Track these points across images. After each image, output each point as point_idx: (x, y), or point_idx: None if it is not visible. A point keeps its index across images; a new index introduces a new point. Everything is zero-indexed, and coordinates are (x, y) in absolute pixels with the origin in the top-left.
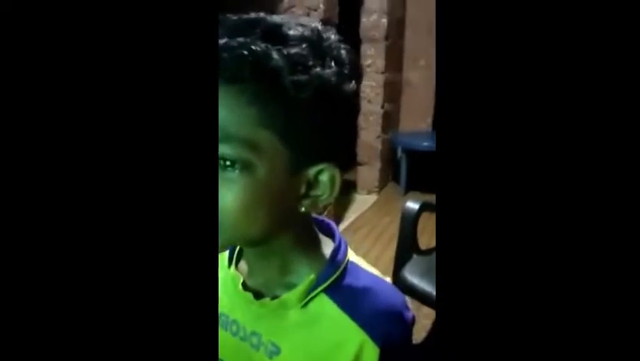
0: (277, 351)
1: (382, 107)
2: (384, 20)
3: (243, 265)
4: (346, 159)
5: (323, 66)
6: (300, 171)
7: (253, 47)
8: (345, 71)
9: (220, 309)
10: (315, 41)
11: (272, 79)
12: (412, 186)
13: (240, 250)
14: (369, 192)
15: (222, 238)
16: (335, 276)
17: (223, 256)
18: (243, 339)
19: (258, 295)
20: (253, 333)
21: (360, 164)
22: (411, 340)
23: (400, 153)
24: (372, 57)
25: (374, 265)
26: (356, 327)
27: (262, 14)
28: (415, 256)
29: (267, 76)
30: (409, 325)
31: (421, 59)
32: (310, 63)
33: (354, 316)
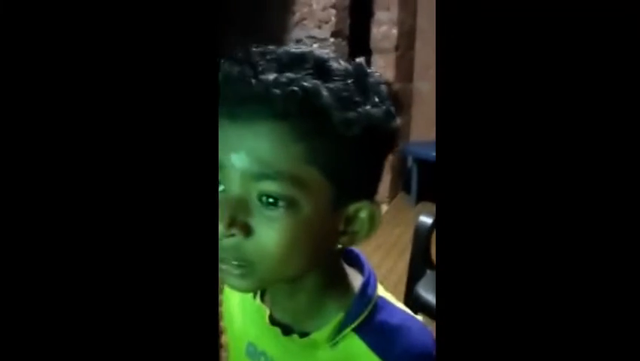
0: None
1: None
2: (395, 31)
3: (267, 298)
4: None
5: (369, 103)
6: (341, 208)
7: (304, 84)
8: (390, 108)
9: (249, 338)
10: (359, 77)
11: (321, 116)
12: (423, 197)
13: None
14: (380, 203)
15: (257, 280)
16: (365, 314)
17: None
18: None
19: (285, 329)
20: None
21: None
22: None
23: (410, 162)
24: (383, 68)
25: (386, 277)
26: None
27: (308, 48)
28: (428, 271)
29: (316, 113)
30: None
31: (432, 69)
32: (357, 100)
33: (384, 357)
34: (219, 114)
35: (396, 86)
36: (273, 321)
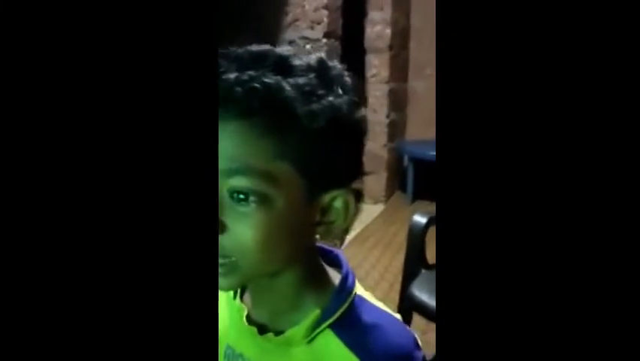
0: None
1: (388, 116)
2: (388, 31)
3: (247, 296)
4: (354, 183)
5: (332, 95)
6: (314, 199)
7: (265, 80)
8: (353, 98)
9: (227, 341)
10: (321, 71)
11: (285, 110)
12: (419, 195)
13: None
14: (375, 202)
15: (238, 276)
16: (342, 310)
17: None
18: None
19: (262, 328)
20: None
21: (366, 174)
22: None
23: (406, 161)
24: (377, 67)
25: (382, 276)
26: None
27: (268, 47)
28: (423, 271)
29: (280, 107)
30: None
31: (427, 68)
32: (320, 92)
33: (361, 355)
34: None
35: (391, 86)
36: (250, 321)
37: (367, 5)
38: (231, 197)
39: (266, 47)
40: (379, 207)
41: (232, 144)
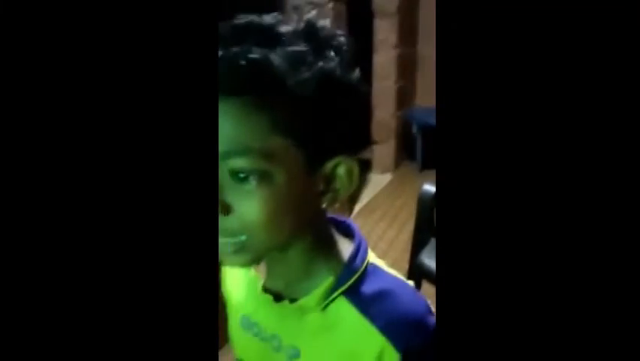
0: (297, 354)
1: (396, 82)
2: None
3: (262, 266)
4: (361, 147)
5: (324, 59)
6: (317, 169)
7: (251, 56)
8: (347, 60)
9: (243, 311)
10: (311, 35)
11: (274, 84)
12: (428, 164)
13: None
14: (384, 172)
15: (251, 253)
16: (354, 278)
17: None
18: (264, 340)
19: (277, 297)
20: (273, 336)
21: (375, 142)
22: (432, 346)
23: (415, 129)
24: (385, 32)
25: (390, 246)
26: (376, 332)
27: (251, 17)
28: (432, 239)
29: (269, 82)
30: (431, 331)
31: None
32: (310, 59)
33: (374, 320)
34: None
35: (400, 51)
36: (266, 290)
37: None
38: (232, 177)
39: (249, 17)
40: (388, 177)
41: (226, 125)
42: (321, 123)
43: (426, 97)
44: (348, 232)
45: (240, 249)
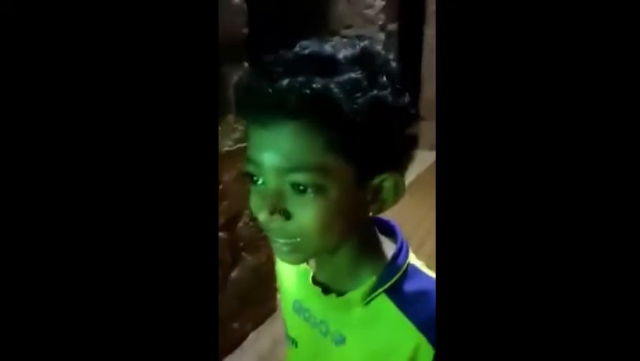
0: (343, 341)
1: None
2: None
3: (312, 261)
4: (407, 162)
5: (377, 85)
6: (366, 182)
7: (314, 86)
8: (398, 85)
9: (294, 297)
10: (366, 61)
11: (332, 110)
12: None
13: None
14: (431, 148)
15: (304, 253)
16: (395, 278)
17: None
18: (313, 326)
19: (325, 288)
20: (322, 322)
21: (422, 119)
22: None
23: None
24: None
25: (431, 232)
26: (413, 329)
27: (314, 47)
28: None
29: (328, 108)
30: None
31: None
32: (365, 85)
33: (412, 317)
34: (248, 120)
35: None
36: (316, 282)
37: None
38: (293, 189)
39: (312, 46)
40: (434, 154)
41: (287, 144)
42: (371, 144)
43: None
44: (390, 232)
45: (295, 249)
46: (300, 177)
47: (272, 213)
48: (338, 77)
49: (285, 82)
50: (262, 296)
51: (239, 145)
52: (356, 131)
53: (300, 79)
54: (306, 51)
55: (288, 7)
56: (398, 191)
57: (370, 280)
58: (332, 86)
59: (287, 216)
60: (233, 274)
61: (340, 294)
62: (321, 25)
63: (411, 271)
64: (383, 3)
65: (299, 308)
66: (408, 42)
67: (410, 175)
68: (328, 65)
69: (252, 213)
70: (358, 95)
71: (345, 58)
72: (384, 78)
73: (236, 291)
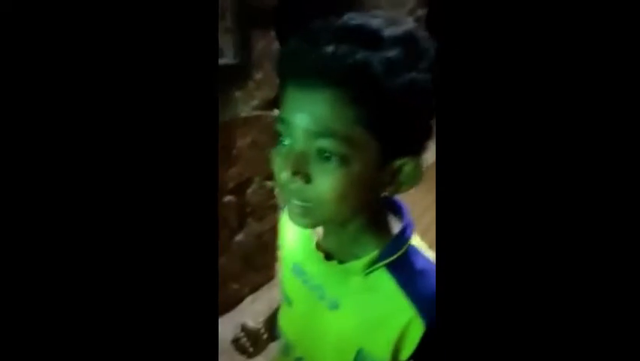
0: (336, 306)
1: None
2: None
3: (319, 228)
4: (424, 150)
5: (417, 69)
6: (387, 162)
7: (357, 56)
8: (432, 70)
9: (295, 259)
10: (409, 44)
11: (371, 84)
12: None
13: None
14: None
15: (315, 218)
16: (397, 255)
17: None
18: (310, 288)
19: (327, 255)
20: (319, 286)
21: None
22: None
23: None
24: None
25: (433, 222)
26: (408, 304)
27: (361, 20)
28: None
29: (367, 81)
30: None
31: None
32: (405, 66)
33: (408, 293)
34: (287, 82)
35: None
36: (319, 248)
37: None
38: (318, 154)
39: (359, 18)
40: None
41: (321, 109)
42: (401, 125)
43: None
44: (398, 211)
45: (307, 213)
46: (327, 144)
47: (294, 173)
48: (381, 53)
49: (330, 48)
50: (263, 263)
51: (255, 113)
52: (389, 110)
53: (345, 48)
54: (353, 22)
55: None
56: (416, 176)
57: (374, 253)
58: (374, 60)
59: (307, 179)
60: (238, 237)
61: (341, 263)
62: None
63: (412, 251)
64: None
65: (298, 271)
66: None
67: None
68: (373, 40)
69: (273, 173)
70: (398, 74)
71: (391, 36)
72: (424, 63)
73: (239, 254)
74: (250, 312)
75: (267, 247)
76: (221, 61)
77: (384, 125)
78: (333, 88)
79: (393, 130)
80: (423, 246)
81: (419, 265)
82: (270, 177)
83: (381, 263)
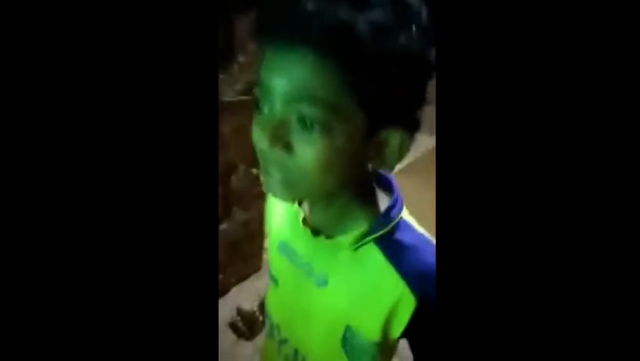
0: (324, 283)
1: None
2: None
3: (305, 204)
4: (415, 123)
5: (406, 33)
6: (373, 134)
7: (339, 16)
8: (426, 38)
9: (282, 238)
10: (399, 7)
11: (356, 48)
12: None
13: None
14: (432, 134)
15: (296, 191)
16: (386, 229)
17: None
18: (297, 266)
19: (315, 232)
20: (307, 263)
21: (426, 104)
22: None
23: None
24: None
25: (429, 213)
26: (398, 278)
27: None
28: None
29: (352, 45)
30: None
31: None
32: (393, 30)
33: (398, 268)
34: (265, 44)
35: None
36: (305, 224)
37: None
38: (299, 122)
39: None
40: (434, 140)
41: (301, 73)
42: (388, 92)
43: None
44: (387, 187)
45: (288, 186)
46: (308, 110)
47: (273, 142)
48: (366, 13)
49: (311, 7)
50: (249, 253)
51: (240, 98)
52: (375, 75)
53: (327, 7)
54: None
55: None
56: (402, 150)
57: (362, 228)
58: (359, 21)
59: (288, 149)
60: (222, 226)
61: (329, 238)
62: None
63: (402, 225)
64: None
65: (284, 249)
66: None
67: (409, 157)
68: (358, 0)
69: (253, 144)
70: (384, 38)
71: None
72: (415, 29)
73: (224, 243)
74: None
75: (253, 236)
76: None
77: (370, 92)
78: (314, 50)
79: (381, 98)
80: (412, 220)
81: (410, 239)
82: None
83: (370, 237)
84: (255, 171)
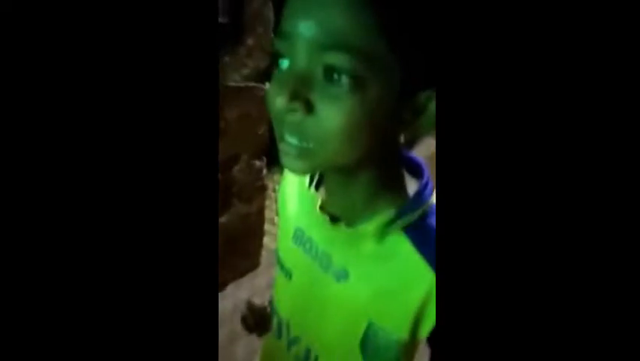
0: (345, 276)
1: None
2: None
3: (322, 189)
4: None
5: None
6: (410, 95)
7: None
8: None
9: (297, 224)
10: None
11: None
12: None
13: (322, 174)
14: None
15: (314, 161)
16: (416, 216)
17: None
18: (313, 258)
19: (333, 219)
20: (325, 254)
21: None
22: None
23: None
24: None
25: None
26: (429, 270)
27: None
28: None
29: None
30: None
31: None
32: None
33: (429, 259)
34: None
35: None
36: (323, 210)
37: None
38: (325, 75)
39: None
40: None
41: (331, 15)
42: (434, 43)
43: None
44: (417, 171)
45: (304, 155)
46: (337, 59)
47: (292, 98)
48: None
49: None
50: (248, 248)
51: (246, 83)
52: (419, 21)
53: None
54: None
55: None
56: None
57: (387, 213)
58: None
59: (309, 108)
60: (221, 219)
61: (350, 226)
62: None
63: (432, 212)
64: None
65: (300, 237)
66: None
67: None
68: None
69: (268, 106)
70: None
71: None
72: None
73: (222, 237)
74: (232, 300)
75: (252, 231)
76: None
77: (410, 41)
78: None
79: (425, 49)
80: None
81: None
82: (260, 155)
83: (397, 225)
84: (258, 163)
